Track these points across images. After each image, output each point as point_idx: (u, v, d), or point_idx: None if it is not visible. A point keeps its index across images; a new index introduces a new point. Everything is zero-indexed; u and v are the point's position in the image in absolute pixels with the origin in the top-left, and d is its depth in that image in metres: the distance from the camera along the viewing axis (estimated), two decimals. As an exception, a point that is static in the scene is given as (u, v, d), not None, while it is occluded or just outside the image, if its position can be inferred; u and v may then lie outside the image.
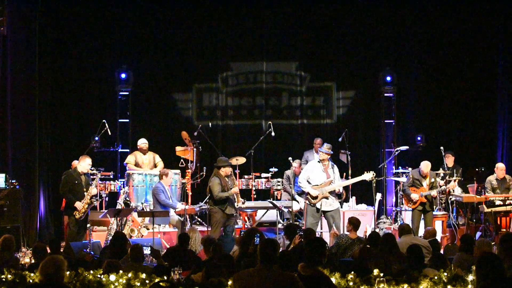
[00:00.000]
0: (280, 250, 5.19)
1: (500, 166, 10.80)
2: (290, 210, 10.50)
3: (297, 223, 10.43)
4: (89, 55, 12.88)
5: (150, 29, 13.11)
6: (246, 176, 11.99)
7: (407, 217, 11.30)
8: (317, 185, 9.72)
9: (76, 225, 9.43)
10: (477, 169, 11.87)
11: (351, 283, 5.02)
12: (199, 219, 11.58)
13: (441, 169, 11.00)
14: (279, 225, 10.23)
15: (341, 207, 10.42)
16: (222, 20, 13.26)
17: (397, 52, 13.37)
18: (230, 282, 4.76)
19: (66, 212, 9.79)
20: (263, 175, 12.08)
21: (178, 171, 11.36)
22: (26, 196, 10.90)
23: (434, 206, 10.54)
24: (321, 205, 9.67)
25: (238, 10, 13.25)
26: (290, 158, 11.74)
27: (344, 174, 11.12)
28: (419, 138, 12.72)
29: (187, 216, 10.67)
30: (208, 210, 10.05)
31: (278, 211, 10.34)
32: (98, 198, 10.53)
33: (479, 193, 11.01)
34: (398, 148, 12.12)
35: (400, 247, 7.16)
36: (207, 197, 10.86)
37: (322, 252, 4.90)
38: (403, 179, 11.64)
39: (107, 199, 11.34)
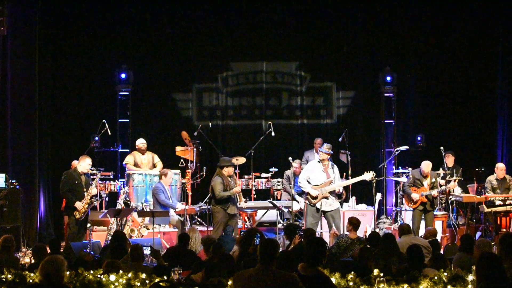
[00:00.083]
0: (280, 250, 5.19)
1: (500, 166, 10.80)
2: (290, 210, 10.50)
3: (297, 223, 10.43)
4: (89, 55, 12.88)
5: (150, 29, 13.10)
6: (246, 176, 11.99)
7: (407, 217, 11.30)
8: (317, 185, 9.71)
9: (76, 225, 9.43)
10: (477, 169, 11.87)
11: (351, 283, 5.02)
12: (199, 219, 11.58)
13: (441, 169, 11.00)
14: (279, 225, 10.23)
15: (341, 207, 10.42)
16: (222, 20, 13.26)
17: (397, 52, 13.36)
18: (230, 282, 4.77)
19: (66, 212, 9.79)
20: (263, 175, 12.08)
21: (178, 171, 11.37)
22: (26, 196, 10.89)
23: (435, 206, 10.54)
24: (321, 205, 9.67)
25: (238, 10, 13.25)
26: (290, 158, 11.71)
27: (344, 174, 11.12)
28: (419, 138, 12.72)
29: (187, 216, 10.67)
30: (211, 210, 10.04)
31: (278, 211, 10.34)
32: (98, 198, 10.53)
33: (479, 193, 11.01)
34: (398, 148, 12.12)
35: (400, 247, 7.16)
36: (208, 196, 10.89)
37: (322, 252, 4.90)
38: (403, 179, 11.64)
39: (107, 199, 11.34)
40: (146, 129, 12.94)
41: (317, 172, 9.78)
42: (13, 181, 10.42)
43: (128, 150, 12.16)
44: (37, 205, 11.48)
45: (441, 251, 8.31)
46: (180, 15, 13.15)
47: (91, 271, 5.31)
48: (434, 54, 13.23)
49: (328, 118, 13.52)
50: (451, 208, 10.88)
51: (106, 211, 9.87)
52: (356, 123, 13.39)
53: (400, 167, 12.21)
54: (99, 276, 5.26)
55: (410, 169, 11.50)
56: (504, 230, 10.06)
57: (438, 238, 9.19)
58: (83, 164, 9.55)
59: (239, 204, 9.95)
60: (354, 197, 11.48)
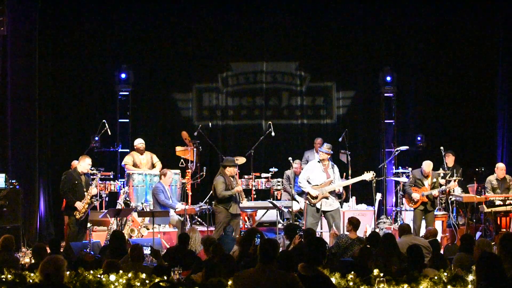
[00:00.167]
0: (280, 250, 5.19)
1: (500, 166, 10.80)
2: (290, 210, 10.49)
3: (297, 223, 10.43)
4: (89, 55, 12.88)
5: (150, 29, 13.10)
6: (246, 176, 11.98)
7: (407, 217, 11.30)
8: (317, 185, 9.71)
9: (76, 225, 9.43)
10: (477, 169, 11.86)
11: (351, 283, 5.02)
12: (199, 219, 11.58)
13: (441, 169, 11.00)
14: (279, 225, 10.23)
15: (341, 207, 10.42)
16: (222, 20, 13.26)
17: (397, 52, 13.37)
18: (230, 282, 4.76)
19: (67, 212, 9.79)
20: (263, 175, 12.08)
21: (178, 171, 11.37)
22: (26, 196, 10.90)
23: (435, 206, 10.53)
24: (321, 205, 9.67)
25: (238, 10, 13.25)
26: (290, 158, 11.71)
27: (344, 174, 11.12)
28: (419, 138, 12.72)
29: (187, 216, 10.67)
30: (213, 209, 10.05)
31: (278, 211, 10.33)
32: (98, 198, 10.53)
33: (479, 193, 11.01)
34: (398, 148, 12.12)
35: (400, 247, 7.16)
36: (207, 196, 10.90)
37: (322, 252, 4.90)
38: (403, 179, 11.64)
39: (107, 199, 11.34)
40: (146, 129, 12.95)
41: (317, 172, 9.78)
42: (13, 181, 10.42)
43: (128, 150, 12.16)
44: (37, 205, 11.49)
45: (441, 251, 8.31)
46: (180, 15, 13.15)
47: (91, 271, 5.31)
48: (434, 54, 13.23)
49: (328, 118, 13.52)
50: (451, 208, 10.88)
51: (106, 211, 9.87)
52: (356, 123, 13.38)
53: (400, 167, 12.20)
54: (99, 276, 5.26)
55: (410, 169, 11.49)
56: (504, 230, 10.06)
57: (438, 238, 9.19)
58: (83, 164, 9.55)
59: (242, 203, 9.95)
60: (354, 197, 11.48)
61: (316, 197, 9.66)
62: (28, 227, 11.04)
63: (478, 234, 10.49)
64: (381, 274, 5.03)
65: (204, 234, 9.39)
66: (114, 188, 11.40)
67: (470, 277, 5.01)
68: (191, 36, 13.24)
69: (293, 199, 10.76)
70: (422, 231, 9.96)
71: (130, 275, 5.20)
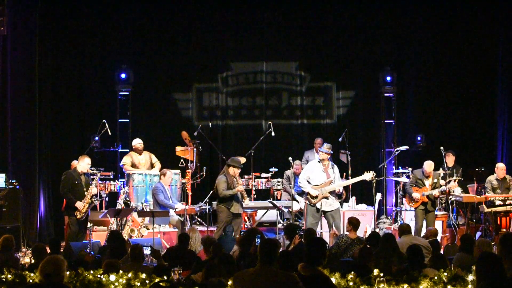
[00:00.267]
0: (280, 250, 5.19)
1: (500, 166, 10.79)
2: (290, 210, 10.50)
3: (297, 223, 10.43)
4: (89, 55, 12.88)
5: (150, 29, 13.10)
6: (246, 176, 11.98)
7: (407, 217, 11.31)
8: (317, 185, 9.71)
9: (76, 225, 9.44)
10: (477, 169, 11.86)
11: (351, 283, 5.01)
12: (199, 219, 11.58)
13: (441, 169, 11.00)
14: (279, 225, 10.23)
15: (341, 207, 10.42)
16: (222, 20, 13.26)
17: (397, 52, 13.37)
18: (230, 282, 4.76)
19: (67, 212, 9.79)
20: (263, 175, 12.08)
21: (178, 171, 11.36)
22: (26, 196, 10.90)
23: (436, 206, 10.53)
24: (321, 205, 9.67)
25: (238, 10, 13.25)
26: (290, 158, 11.72)
27: (344, 174, 11.12)
28: (419, 138, 12.72)
29: (187, 216, 10.67)
30: (216, 208, 10.05)
31: (278, 211, 10.34)
32: (98, 198, 10.52)
33: (479, 193, 11.01)
34: (398, 148, 12.12)
35: (400, 247, 7.15)
36: (207, 196, 10.90)
37: (322, 252, 4.89)
38: (403, 179, 11.64)
39: (107, 199, 11.33)
40: (146, 129, 12.94)
41: (317, 172, 9.78)
42: (13, 181, 10.42)
43: (128, 150, 12.15)
44: (37, 205, 11.49)
45: (441, 251, 8.31)
46: (180, 15, 13.15)
47: (91, 271, 5.31)
48: (434, 54, 13.23)
49: (328, 118, 13.52)
50: (451, 208, 10.88)
51: (106, 211, 9.87)
52: (356, 123, 13.38)
53: (400, 167, 12.20)
54: (99, 276, 5.26)
55: (410, 169, 11.50)
56: (504, 230, 10.06)
57: (438, 238, 9.19)
58: (83, 164, 9.55)
59: (244, 202, 9.95)
60: (354, 197, 11.48)
61: (316, 197, 9.66)
62: (28, 227, 11.04)
63: (478, 234, 10.49)
64: (381, 274, 5.03)
65: (204, 234, 9.39)
66: (114, 188, 11.40)
67: (470, 277, 5.01)
68: (191, 36, 13.24)
69: (293, 199, 10.76)
70: (423, 231, 9.96)
71: (130, 275, 5.20)
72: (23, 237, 10.30)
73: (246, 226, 10.79)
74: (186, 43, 13.24)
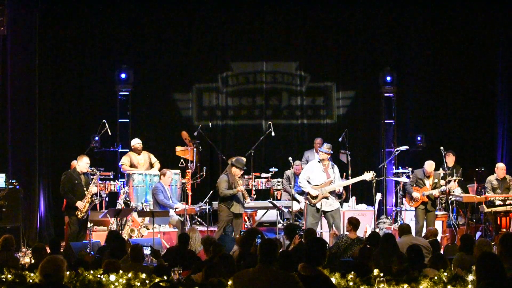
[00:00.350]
0: (280, 250, 5.19)
1: (501, 166, 10.79)
2: (290, 210, 10.50)
3: (297, 223, 10.43)
4: (89, 55, 12.88)
5: (150, 29, 13.10)
6: (246, 176, 11.97)
7: (407, 217, 11.31)
8: (317, 185, 9.71)
9: (76, 225, 9.44)
10: (477, 169, 11.86)
11: (351, 283, 5.01)
12: (199, 219, 11.58)
13: (441, 169, 10.99)
14: (279, 225, 10.23)
15: (341, 207, 10.42)
16: (222, 20, 13.26)
17: (397, 52, 13.37)
18: (230, 282, 4.76)
19: (67, 212, 9.79)
20: (263, 175, 12.07)
21: (178, 171, 11.36)
22: (26, 196, 10.90)
23: (436, 206, 10.53)
24: (321, 205, 9.67)
25: (238, 10, 13.25)
26: (290, 158, 11.73)
27: (344, 174, 11.12)
28: (419, 138, 12.72)
29: (187, 216, 10.67)
30: (217, 208, 10.07)
31: (278, 211, 10.34)
32: (98, 197, 10.52)
33: (479, 193, 11.01)
34: (398, 148, 12.12)
35: (400, 247, 7.15)
36: (208, 196, 10.91)
37: (322, 252, 4.89)
38: (403, 179, 11.64)
39: (107, 199, 11.33)
40: (146, 129, 12.94)
41: (317, 172, 9.78)
42: (13, 181, 10.42)
43: (128, 150, 12.17)
44: (37, 205, 11.49)
45: (441, 251, 8.31)
46: (180, 15, 13.15)
47: (91, 271, 5.31)
48: (434, 54, 13.23)
49: (328, 118, 13.51)
50: (451, 208, 10.88)
51: (106, 211, 9.87)
52: (356, 123, 13.37)
53: (400, 167, 12.20)
54: (99, 276, 5.26)
55: (410, 169, 11.50)
56: (504, 230, 10.05)
57: (438, 238, 9.20)
58: (82, 164, 9.56)
59: (245, 202, 9.95)
60: (354, 197, 11.48)
61: (316, 197, 9.67)
62: (28, 227, 11.04)
63: (478, 234, 10.50)
64: (381, 274, 5.03)
65: (204, 234, 9.39)
66: (114, 188, 11.40)
67: (470, 277, 5.01)
68: (191, 36, 13.24)
69: (294, 198, 10.77)
70: (424, 231, 9.96)
71: (130, 275, 5.19)
72: (23, 237, 10.30)
73: (246, 226, 10.78)
74: (186, 43, 13.24)
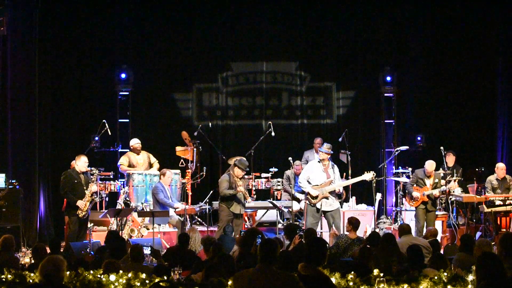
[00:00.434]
0: (280, 250, 5.18)
1: (501, 166, 10.79)
2: (290, 210, 10.50)
3: (297, 223, 10.43)
4: (89, 55, 12.88)
5: (150, 29, 13.10)
6: (246, 176, 11.94)
7: (407, 217, 11.31)
8: (317, 185, 9.71)
9: (76, 225, 9.44)
10: (477, 169, 11.86)
11: (351, 283, 5.01)
12: (199, 219, 11.58)
13: (441, 169, 11.00)
14: (279, 225, 10.24)
15: (341, 207, 10.42)
16: (222, 20, 13.26)
17: (397, 52, 13.37)
18: (230, 282, 4.76)
19: (67, 212, 9.78)
20: (263, 175, 12.08)
21: (178, 171, 11.36)
22: (26, 196, 10.90)
23: (436, 206, 10.52)
24: (321, 205, 9.67)
25: (238, 10, 13.25)
26: (290, 158, 11.75)
27: (344, 174, 11.12)
28: (419, 138, 12.72)
29: (187, 216, 10.67)
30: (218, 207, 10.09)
31: (278, 211, 10.35)
32: (98, 196, 10.52)
33: (479, 193, 11.01)
34: (398, 148, 12.12)
35: (400, 247, 7.16)
36: (208, 196, 10.91)
37: (322, 252, 4.89)
38: (403, 179, 11.64)
39: (107, 199, 11.33)
40: (146, 129, 12.95)
41: (317, 172, 9.78)
42: (13, 181, 10.42)
43: (128, 150, 12.17)
44: (37, 205, 11.48)
45: (441, 251, 8.31)
46: (180, 15, 13.15)
47: (91, 271, 5.31)
48: (434, 54, 13.23)
49: (328, 118, 13.52)
50: (451, 208, 10.88)
51: (106, 211, 9.87)
52: (356, 123, 13.37)
53: (400, 167, 12.20)
54: (99, 276, 5.26)
55: (410, 169, 11.51)
56: (504, 230, 10.06)
57: (438, 238, 9.19)
58: (80, 163, 9.56)
59: (247, 201, 9.95)
60: (354, 197, 11.48)
61: (316, 197, 9.66)
62: (28, 227, 11.03)
63: (478, 234, 10.50)
64: (381, 274, 5.03)
65: (204, 234, 9.39)
66: (114, 188, 11.40)
67: (470, 277, 5.01)
68: (191, 36, 13.24)
69: (294, 198, 10.77)
70: (424, 231, 9.96)
71: (130, 275, 5.19)
72: (23, 237, 10.30)
73: (246, 226, 10.78)
74: (186, 43, 13.24)
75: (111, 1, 12.93)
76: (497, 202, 10.27)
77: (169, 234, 10.39)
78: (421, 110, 13.35)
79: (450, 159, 11.41)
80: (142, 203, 10.75)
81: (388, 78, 12.85)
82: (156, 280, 5.11)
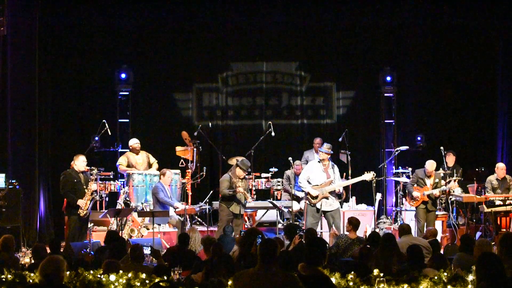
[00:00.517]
0: (280, 250, 5.19)
1: (501, 166, 10.79)
2: (290, 210, 10.50)
3: (297, 223, 10.43)
4: (89, 55, 12.88)
5: (150, 29, 13.10)
6: (246, 176, 11.97)
7: (407, 217, 11.31)
8: (317, 185, 9.71)
9: (76, 225, 9.44)
10: (477, 169, 11.87)
11: (351, 283, 5.01)
12: (199, 219, 11.58)
13: (441, 169, 11.00)
14: (279, 225, 10.23)
15: (341, 207, 10.42)
16: (222, 20, 13.26)
17: (397, 51, 13.37)
18: (230, 282, 4.76)
19: (68, 212, 9.78)
20: (263, 175, 12.08)
21: (178, 171, 11.36)
22: (26, 196, 10.89)
23: (436, 206, 10.52)
24: (321, 205, 9.67)
25: (237, 10, 13.25)
26: (290, 158, 11.75)
27: (344, 174, 11.12)
28: (419, 138, 12.72)
29: (187, 216, 10.67)
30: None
31: (278, 211, 10.35)
32: (98, 194, 10.51)
33: (479, 193, 11.01)
34: (398, 148, 12.12)
35: (400, 247, 7.14)
36: (208, 196, 10.91)
37: (322, 252, 4.90)
38: (403, 179, 11.64)
39: (107, 199, 11.33)
40: (146, 129, 12.95)
41: (317, 172, 9.78)
42: (13, 181, 10.41)
43: (128, 150, 12.16)
44: (37, 205, 11.48)
45: (441, 251, 8.31)
46: (180, 15, 13.15)
47: (91, 271, 5.31)
48: (434, 54, 13.23)
49: (328, 118, 13.52)
50: (451, 208, 10.89)
51: (106, 211, 9.87)
52: (356, 123, 13.37)
53: (400, 167, 12.21)
54: (99, 276, 5.26)
55: (410, 169, 11.51)
56: (504, 230, 10.06)
57: (438, 238, 9.19)
58: (78, 163, 9.56)
59: (247, 201, 9.95)
60: (354, 197, 11.48)
61: (316, 197, 9.67)
62: (28, 227, 11.03)
63: (478, 234, 10.49)
64: (381, 274, 5.03)
65: (204, 234, 9.39)
66: (114, 188, 11.40)
67: (470, 277, 5.01)
68: (191, 36, 13.24)
69: (294, 198, 10.78)
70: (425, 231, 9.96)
71: (130, 275, 5.19)
72: (23, 237, 10.30)
73: (246, 226, 10.78)
74: (186, 43, 13.24)
75: (111, 1, 12.93)
76: (497, 202, 10.27)
77: (169, 234, 10.39)
78: (421, 110, 13.35)
79: (450, 159, 11.42)
80: (142, 203, 10.76)
81: (388, 78, 12.85)
82: (156, 280, 5.11)
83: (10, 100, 11.21)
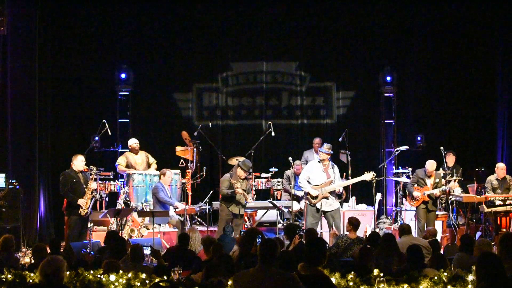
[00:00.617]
0: (280, 250, 5.18)
1: (501, 166, 10.79)
2: (290, 210, 10.50)
3: (297, 223, 10.43)
4: (89, 55, 12.88)
5: (150, 29, 13.11)
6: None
7: (407, 217, 11.31)
8: (317, 185, 9.71)
9: (76, 225, 9.44)
10: (477, 169, 11.87)
11: (351, 283, 5.02)
12: (199, 219, 11.58)
13: (441, 169, 11.00)
14: (279, 225, 10.23)
15: (341, 207, 10.42)
16: (222, 20, 13.26)
17: (397, 51, 13.37)
18: (230, 282, 4.76)
19: (68, 212, 9.77)
20: (263, 175, 12.08)
21: (178, 171, 11.36)
22: (26, 196, 10.90)
23: (437, 206, 10.53)
24: (321, 205, 9.67)
25: (237, 10, 13.25)
26: (290, 158, 11.75)
27: (344, 174, 11.12)
28: (419, 138, 12.72)
29: (187, 216, 10.67)
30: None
31: (278, 211, 10.35)
32: (98, 193, 10.51)
33: (479, 193, 11.01)
34: (398, 148, 12.12)
35: (400, 247, 7.16)
36: (208, 196, 10.91)
37: (322, 252, 4.89)
38: (403, 179, 11.64)
39: (107, 199, 11.34)
40: (146, 129, 12.95)
41: (317, 172, 9.78)
42: (13, 181, 10.41)
43: (128, 150, 12.16)
44: (37, 205, 11.48)
45: (441, 251, 8.31)
46: (180, 15, 13.16)
47: (91, 271, 5.31)
48: (434, 54, 13.23)
49: (328, 118, 13.51)
50: (451, 208, 10.89)
51: (106, 211, 9.87)
52: (356, 123, 13.37)
53: (400, 167, 12.20)
54: (99, 276, 5.26)
55: (410, 169, 11.51)
56: (504, 230, 10.06)
57: (438, 238, 9.20)
58: (77, 163, 9.57)
59: (247, 201, 9.95)
60: (354, 197, 11.48)
61: (316, 197, 9.67)
62: (28, 227, 11.03)
63: (478, 234, 10.49)
64: (381, 274, 5.03)
65: (204, 234, 9.39)
66: (114, 188, 11.41)
67: (470, 277, 5.01)
68: (191, 36, 13.24)
69: (294, 197, 10.77)
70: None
71: (130, 275, 5.20)
72: (23, 237, 10.30)
73: (246, 226, 10.79)
74: (186, 43, 13.24)
75: (111, 1, 12.93)
76: (497, 202, 10.26)
77: (169, 234, 10.39)
78: (421, 110, 13.35)
79: (450, 159, 11.42)
80: (142, 203, 10.76)
81: (388, 78, 12.84)
82: (156, 280, 5.11)
83: (10, 100, 11.21)
